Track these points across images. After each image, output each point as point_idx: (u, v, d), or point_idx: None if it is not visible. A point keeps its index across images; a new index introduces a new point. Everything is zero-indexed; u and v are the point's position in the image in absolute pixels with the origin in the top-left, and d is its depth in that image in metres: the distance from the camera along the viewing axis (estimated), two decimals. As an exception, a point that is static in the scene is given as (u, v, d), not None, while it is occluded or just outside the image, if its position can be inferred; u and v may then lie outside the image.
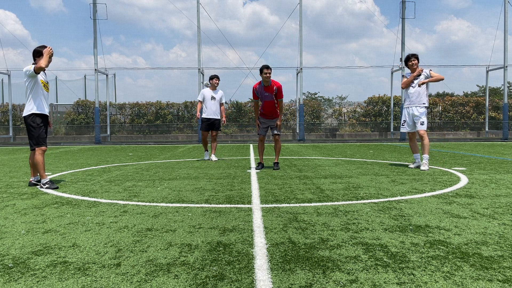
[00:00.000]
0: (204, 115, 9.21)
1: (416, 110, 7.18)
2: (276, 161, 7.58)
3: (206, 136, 9.40)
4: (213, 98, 9.18)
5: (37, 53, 5.40)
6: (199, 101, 9.31)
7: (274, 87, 7.19)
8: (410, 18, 20.33)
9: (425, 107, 7.15)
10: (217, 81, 9.25)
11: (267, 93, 7.22)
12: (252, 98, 7.69)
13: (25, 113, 5.43)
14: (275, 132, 7.51)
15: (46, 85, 5.61)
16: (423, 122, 7.10)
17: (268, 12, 33.98)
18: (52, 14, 38.67)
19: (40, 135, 5.43)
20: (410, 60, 7.28)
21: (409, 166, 7.54)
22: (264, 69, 7.11)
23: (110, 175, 6.74)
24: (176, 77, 32.76)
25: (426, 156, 7.05)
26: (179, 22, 39.37)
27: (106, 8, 19.80)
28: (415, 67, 7.23)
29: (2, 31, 37.66)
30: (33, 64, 5.41)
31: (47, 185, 5.32)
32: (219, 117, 9.30)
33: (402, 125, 7.51)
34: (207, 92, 9.24)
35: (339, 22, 30.46)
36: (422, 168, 7.00)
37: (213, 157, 9.36)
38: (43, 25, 36.16)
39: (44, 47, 5.41)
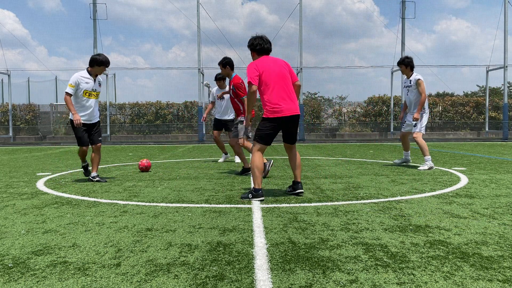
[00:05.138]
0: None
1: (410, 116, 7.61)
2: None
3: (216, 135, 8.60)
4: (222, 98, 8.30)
5: (92, 62, 5.83)
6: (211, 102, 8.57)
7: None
8: (410, 18, 20.37)
9: (423, 113, 7.44)
10: (218, 82, 8.29)
11: None
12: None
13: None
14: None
15: (92, 93, 5.96)
16: (415, 124, 7.43)
17: (267, 12, 33.95)
18: (51, 14, 38.66)
19: (77, 135, 5.94)
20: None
21: (394, 161, 8.16)
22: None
23: (110, 175, 6.74)
24: (175, 77, 32.74)
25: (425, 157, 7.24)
26: (177, 22, 39.29)
27: (106, 8, 19.79)
28: (404, 73, 8.03)
29: (1, 30, 37.69)
30: (88, 68, 5.90)
31: (97, 178, 6.00)
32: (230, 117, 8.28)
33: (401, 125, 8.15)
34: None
35: (338, 22, 30.40)
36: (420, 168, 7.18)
37: (237, 159, 8.41)
38: (42, 24, 36.17)
39: (99, 56, 5.87)
